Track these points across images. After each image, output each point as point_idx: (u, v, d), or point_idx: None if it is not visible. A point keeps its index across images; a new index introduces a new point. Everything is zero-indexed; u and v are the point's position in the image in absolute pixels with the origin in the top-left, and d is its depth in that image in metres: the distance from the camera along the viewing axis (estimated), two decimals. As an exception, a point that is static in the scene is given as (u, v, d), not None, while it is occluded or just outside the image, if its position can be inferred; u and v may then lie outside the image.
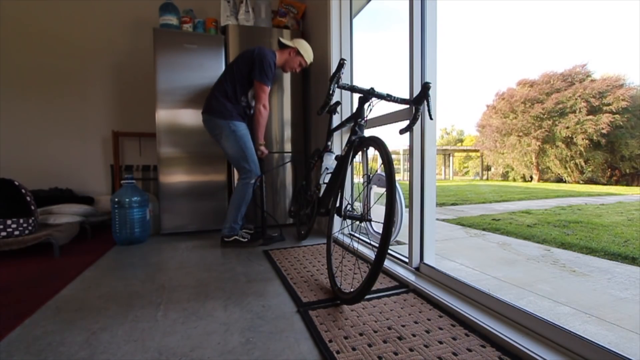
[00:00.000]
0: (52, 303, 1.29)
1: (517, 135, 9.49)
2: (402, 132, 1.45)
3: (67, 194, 2.69)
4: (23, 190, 2.00)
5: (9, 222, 1.88)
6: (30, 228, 1.97)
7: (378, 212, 1.23)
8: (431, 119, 1.37)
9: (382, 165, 1.12)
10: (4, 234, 1.87)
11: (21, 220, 1.92)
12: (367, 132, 1.53)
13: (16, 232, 1.91)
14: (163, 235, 2.45)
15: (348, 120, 1.63)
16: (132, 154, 2.99)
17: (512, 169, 10.72)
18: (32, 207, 2.00)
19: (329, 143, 1.92)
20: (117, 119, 2.95)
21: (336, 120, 2.12)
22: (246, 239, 2.09)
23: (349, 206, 1.42)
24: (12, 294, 1.40)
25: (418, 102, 1.35)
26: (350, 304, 1.22)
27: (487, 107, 11.24)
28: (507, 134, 9.97)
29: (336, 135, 2.25)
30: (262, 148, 2.11)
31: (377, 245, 1.05)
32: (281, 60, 2.12)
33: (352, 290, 1.18)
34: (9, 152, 2.72)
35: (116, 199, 2.16)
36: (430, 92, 1.31)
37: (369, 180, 1.41)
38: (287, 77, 2.67)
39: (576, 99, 7.92)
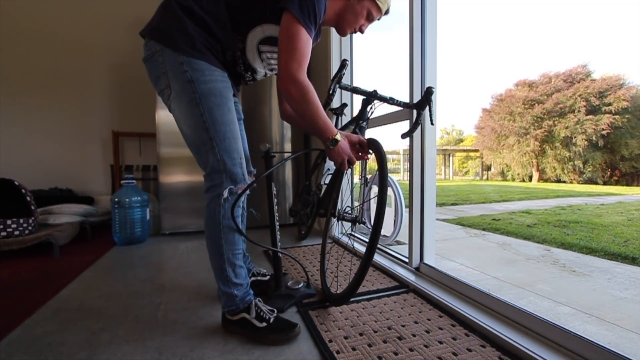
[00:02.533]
0: (52, 303, 1.29)
1: (515, 136, 9.50)
2: (403, 136, 1.45)
3: (67, 194, 2.69)
4: (23, 190, 2.00)
5: (9, 222, 1.88)
6: (30, 228, 1.97)
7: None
8: (432, 124, 1.37)
9: (379, 167, 1.12)
10: (4, 234, 1.87)
11: (21, 220, 1.92)
12: (368, 132, 1.53)
13: (16, 232, 1.91)
14: (163, 235, 2.44)
15: (350, 122, 1.63)
16: (132, 154, 2.99)
17: (510, 169, 10.74)
18: (32, 207, 2.00)
19: None
20: (117, 119, 2.95)
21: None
22: (265, 323, 1.02)
23: (347, 208, 1.42)
24: (12, 294, 1.40)
25: (421, 107, 1.34)
26: (338, 304, 1.21)
27: (483, 111, 11.26)
28: (505, 135, 9.98)
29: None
30: (334, 151, 1.04)
31: (378, 245, 1.05)
32: (335, 9, 1.08)
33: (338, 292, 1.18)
34: (9, 152, 2.72)
35: (116, 199, 2.16)
36: (432, 96, 1.31)
37: (366, 182, 1.41)
38: (287, 77, 2.67)
39: (576, 99, 7.92)
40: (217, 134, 1.00)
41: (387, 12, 1.15)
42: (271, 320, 1.03)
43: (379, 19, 1.16)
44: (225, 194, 1.01)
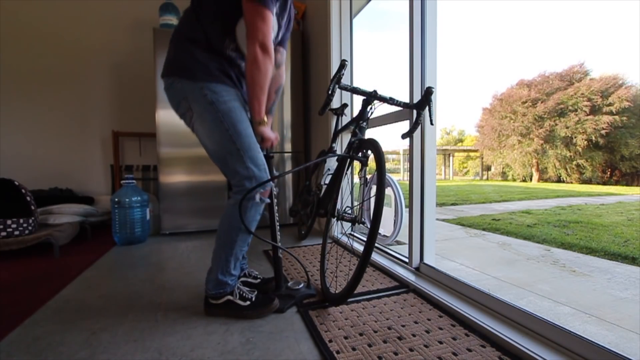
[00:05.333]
0: (52, 303, 1.29)
1: (516, 136, 9.50)
2: (403, 137, 1.46)
3: (67, 194, 2.69)
4: (23, 190, 2.00)
5: (9, 222, 1.88)
6: (30, 228, 1.97)
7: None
8: (432, 124, 1.37)
9: (377, 166, 1.13)
10: (4, 234, 1.87)
11: (21, 220, 1.92)
12: (368, 132, 1.53)
13: (16, 232, 1.91)
14: (163, 235, 2.44)
15: (350, 122, 1.63)
16: (132, 154, 2.99)
17: (511, 168, 10.74)
18: (32, 207, 2.00)
19: (334, 145, 1.91)
20: (117, 119, 2.95)
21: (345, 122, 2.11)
22: (248, 302, 1.17)
23: (347, 208, 1.42)
24: (12, 294, 1.40)
25: (420, 107, 1.35)
26: (337, 304, 1.22)
27: (483, 110, 11.27)
28: (506, 135, 9.98)
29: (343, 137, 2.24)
30: (263, 129, 1.16)
31: (377, 245, 1.05)
32: None
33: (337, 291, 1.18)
34: (9, 152, 2.72)
35: (116, 199, 2.16)
36: (432, 96, 1.31)
37: (366, 182, 1.41)
38: (287, 77, 2.67)
39: (577, 99, 7.92)
40: (243, 145, 1.11)
41: None
42: (253, 298, 1.18)
43: None
44: (257, 198, 1.13)
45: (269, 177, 1.15)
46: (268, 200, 1.20)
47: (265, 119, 1.15)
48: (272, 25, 1.07)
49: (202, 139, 1.16)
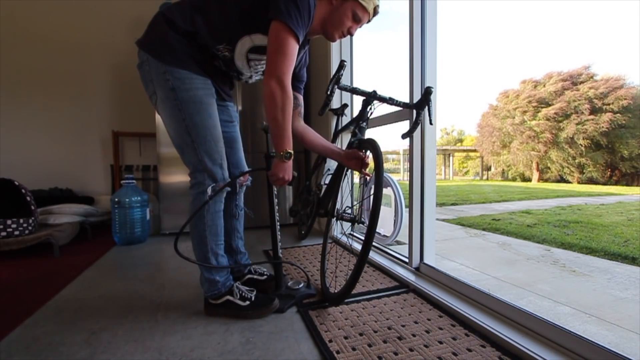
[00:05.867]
0: (52, 303, 1.29)
1: (518, 135, 9.49)
2: (403, 137, 1.46)
3: (67, 194, 2.69)
4: (23, 190, 2.00)
5: (9, 222, 1.88)
6: (30, 228, 1.97)
7: (381, 213, 1.23)
8: (431, 124, 1.37)
9: (375, 165, 1.14)
10: (4, 234, 1.87)
11: (21, 220, 1.92)
12: (368, 132, 1.53)
13: (16, 232, 1.91)
14: (163, 235, 2.44)
15: (350, 122, 1.63)
16: (132, 154, 2.99)
17: (511, 168, 10.74)
18: (32, 207, 2.00)
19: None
20: (117, 119, 2.95)
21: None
22: (248, 302, 1.16)
23: (347, 208, 1.43)
24: (12, 294, 1.40)
25: (420, 107, 1.35)
26: (335, 304, 1.22)
27: (486, 108, 11.25)
28: (508, 135, 9.97)
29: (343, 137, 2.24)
30: (275, 163, 1.08)
31: (377, 245, 1.06)
32: (320, 15, 1.08)
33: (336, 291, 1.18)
34: (9, 152, 2.72)
35: (116, 199, 2.16)
36: (431, 96, 1.31)
37: (365, 182, 1.42)
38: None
39: (580, 100, 7.93)
40: (198, 137, 1.08)
41: (376, 13, 1.12)
42: (252, 298, 1.17)
43: (369, 22, 1.13)
44: (209, 191, 1.10)
45: (224, 173, 1.14)
46: (229, 189, 1.17)
47: (290, 151, 1.04)
48: (294, 59, 0.99)
49: (165, 124, 1.13)
